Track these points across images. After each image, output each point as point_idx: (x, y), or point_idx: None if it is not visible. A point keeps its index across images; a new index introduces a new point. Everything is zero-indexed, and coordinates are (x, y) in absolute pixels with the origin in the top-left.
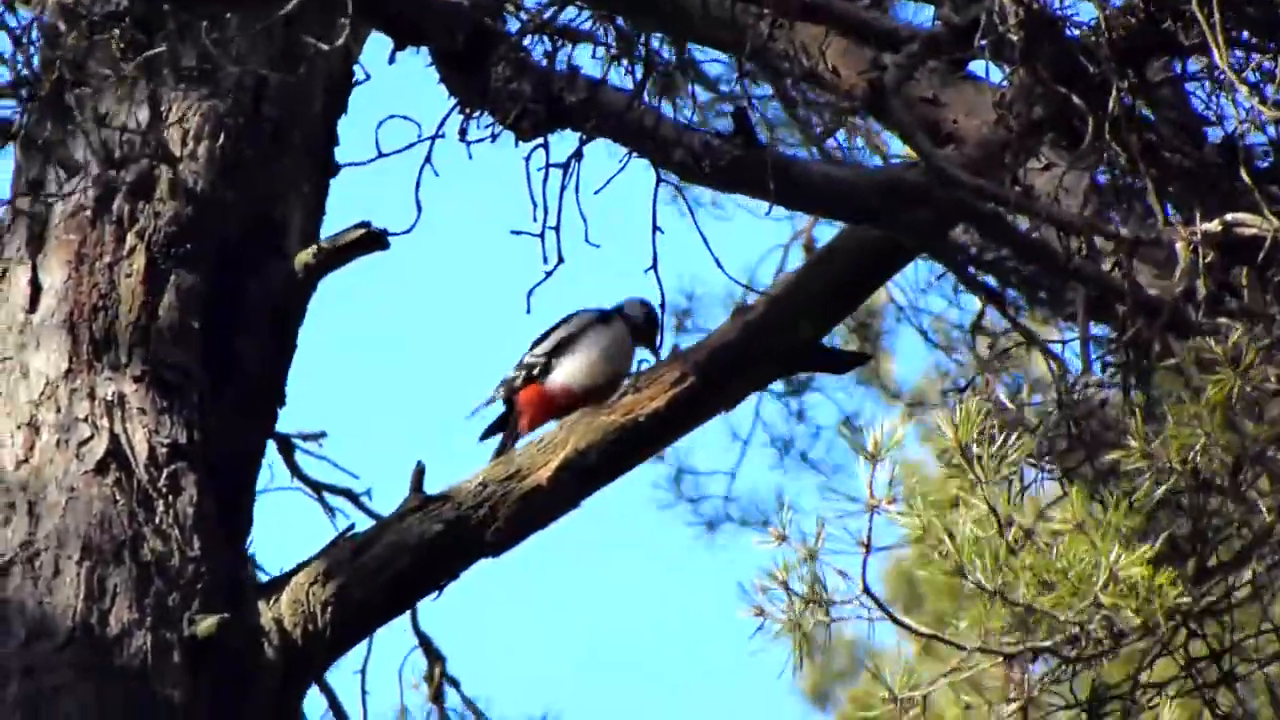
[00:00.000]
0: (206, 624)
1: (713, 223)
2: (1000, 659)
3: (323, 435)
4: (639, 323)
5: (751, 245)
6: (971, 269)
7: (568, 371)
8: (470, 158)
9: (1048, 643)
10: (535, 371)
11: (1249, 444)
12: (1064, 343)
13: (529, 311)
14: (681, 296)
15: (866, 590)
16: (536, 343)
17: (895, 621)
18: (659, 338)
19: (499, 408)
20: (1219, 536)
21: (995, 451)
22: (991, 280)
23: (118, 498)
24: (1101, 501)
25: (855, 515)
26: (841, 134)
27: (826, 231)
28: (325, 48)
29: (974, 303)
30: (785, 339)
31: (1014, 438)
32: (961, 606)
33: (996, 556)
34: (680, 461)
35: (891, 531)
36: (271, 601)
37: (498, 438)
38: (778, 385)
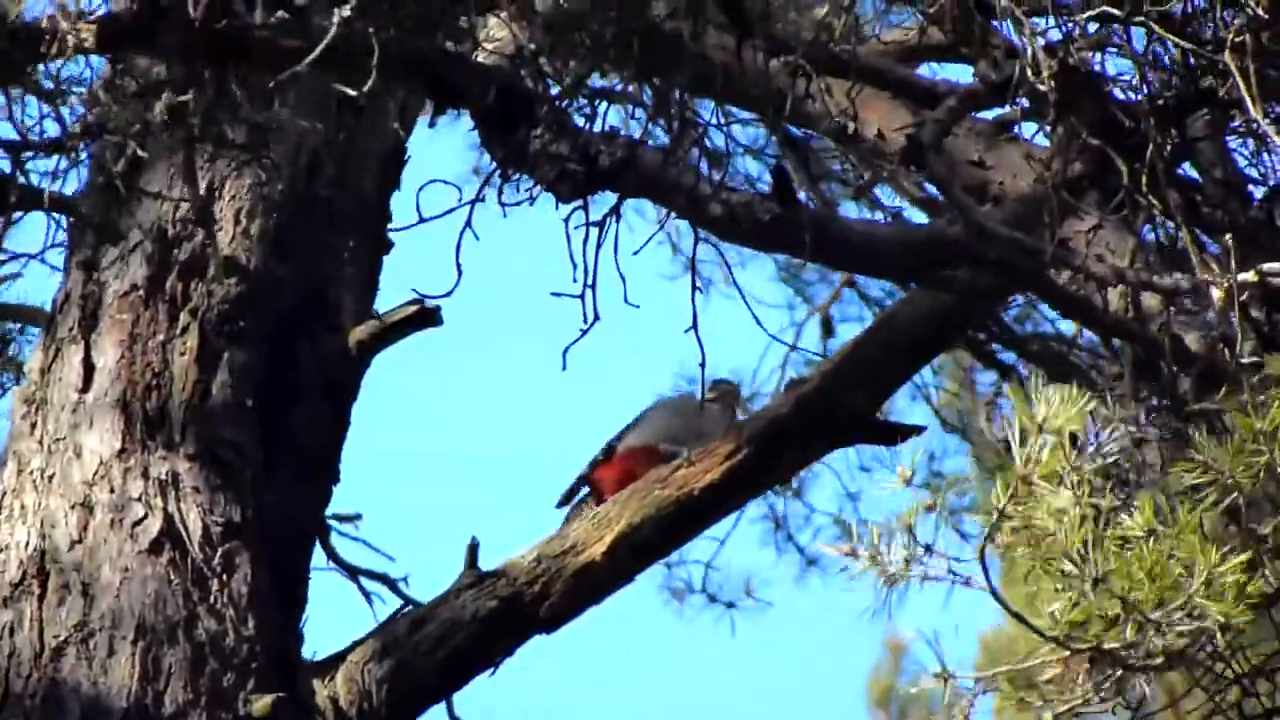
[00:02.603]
0: (262, 703)
1: (725, 302)
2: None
3: (358, 517)
4: (711, 397)
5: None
6: (995, 346)
7: (634, 437)
8: (506, 216)
9: (1113, 644)
10: (615, 443)
11: None
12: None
13: (564, 368)
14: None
15: (983, 558)
16: None
17: (995, 596)
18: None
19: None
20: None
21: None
22: (1012, 357)
23: (172, 577)
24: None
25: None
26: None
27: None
28: (353, 93)
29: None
30: (838, 411)
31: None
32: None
33: (1088, 543)
34: None
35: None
36: (327, 680)
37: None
38: None
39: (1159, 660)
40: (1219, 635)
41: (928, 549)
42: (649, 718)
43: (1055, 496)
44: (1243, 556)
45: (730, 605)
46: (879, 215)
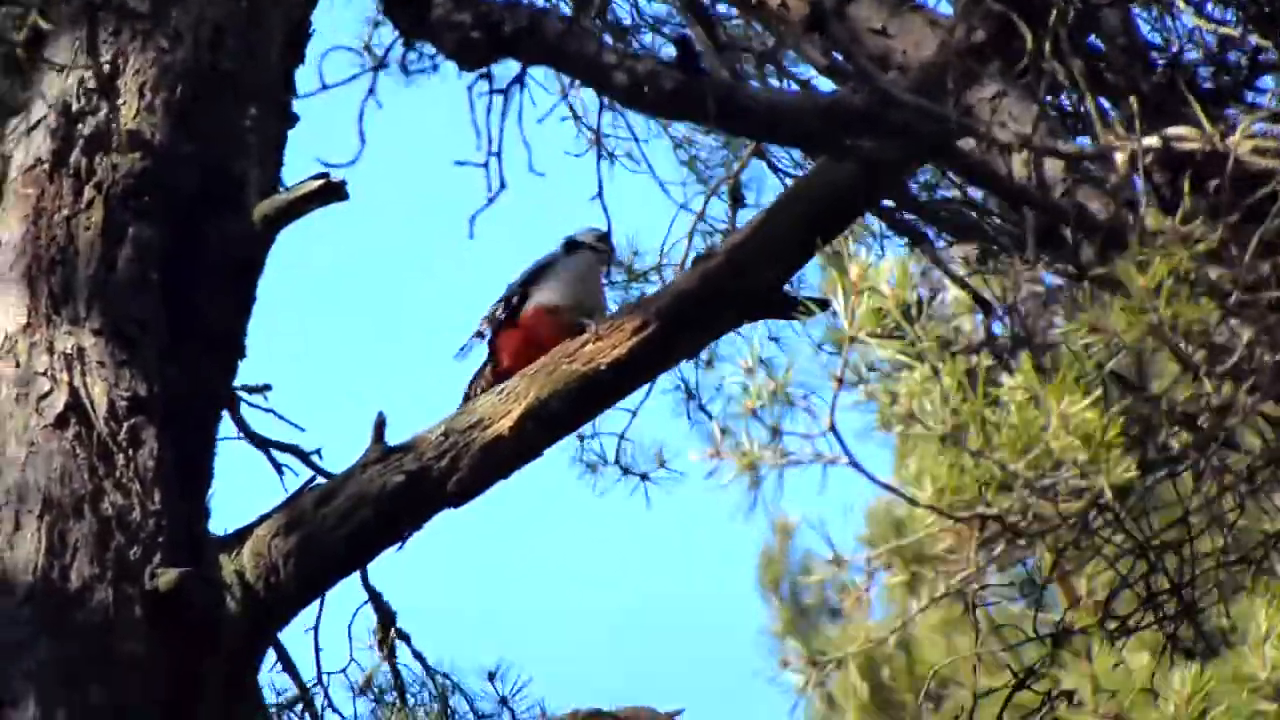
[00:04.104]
0: (168, 577)
1: (631, 178)
2: (951, 522)
3: (267, 388)
4: (595, 245)
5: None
6: (902, 213)
7: (542, 295)
8: (408, 84)
9: (994, 510)
10: (515, 300)
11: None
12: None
13: (471, 236)
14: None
15: (833, 428)
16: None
17: (855, 465)
18: (612, 255)
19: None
20: (1162, 428)
21: (932, 310)
22: (920, 224)
23: (78, 452)
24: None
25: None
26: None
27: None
28: None
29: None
30: (746, 285)
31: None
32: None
33: (946, 399)
34: None
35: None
36: (233, 554)
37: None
38: None
39: (1052, 525)
40: (1108, 493)
41: (775, 432)
42: (546, 591)
43: (886, 348)
44: (1095, 394)
45: (644, 477)
46: (789, 84)
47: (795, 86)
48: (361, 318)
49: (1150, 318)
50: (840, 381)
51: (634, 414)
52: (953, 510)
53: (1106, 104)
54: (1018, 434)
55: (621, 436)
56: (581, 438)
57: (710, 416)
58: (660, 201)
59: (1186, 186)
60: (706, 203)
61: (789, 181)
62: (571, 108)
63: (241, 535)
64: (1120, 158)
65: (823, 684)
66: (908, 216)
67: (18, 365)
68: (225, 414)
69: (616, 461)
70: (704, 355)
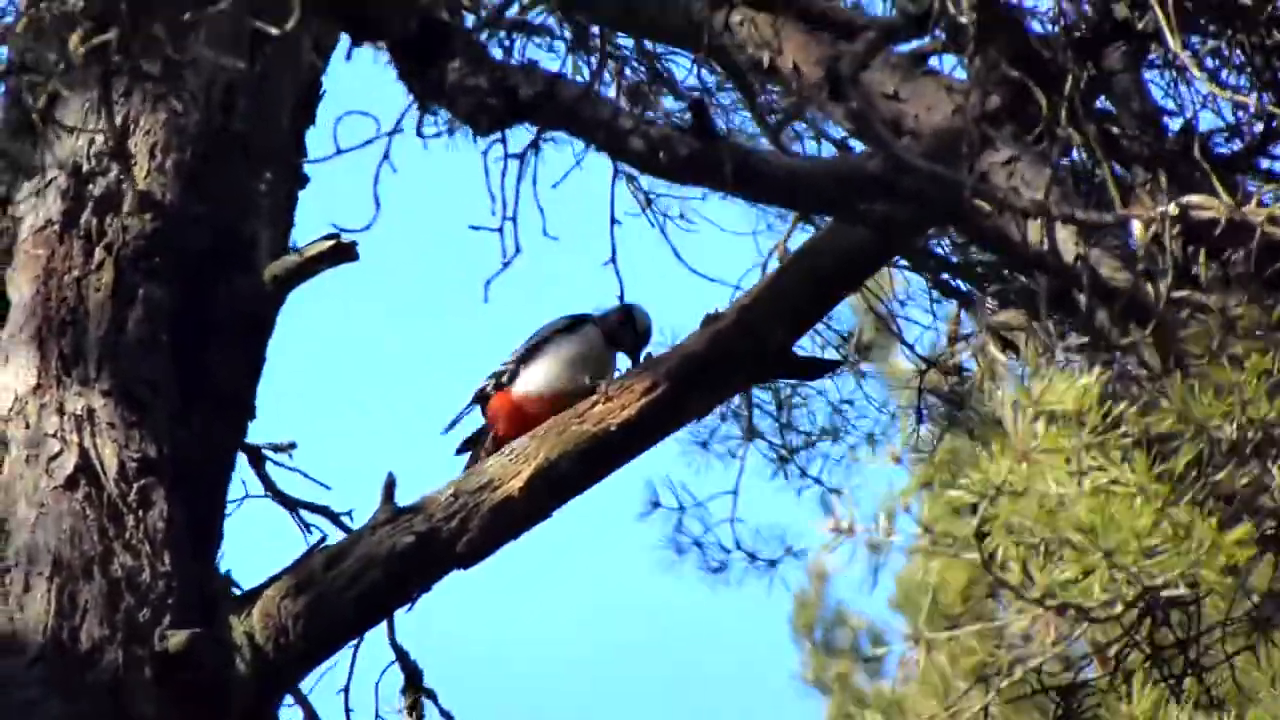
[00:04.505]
0: (177, 639)
1: (681, 235)
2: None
3: (293, 446)
4: (614, 327)
5: (721, 262)
6: (944, 274)
7: (531, 378)
8: (426, 148)
9: (1079, 600)
10: (504, 379)
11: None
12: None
13: (486, 300)
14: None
15: (979, 534)
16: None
17: (988, 569)
18: (642, 343)
19: (476, 419)
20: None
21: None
22: (965, 285)
23: (88, 513)
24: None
25: None
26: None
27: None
28: (274, 31)
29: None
30: (756, 346)
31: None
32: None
33: (1104, 513)
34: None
35: None
36: (243, 615)
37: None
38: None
39: (1119, 610)
40: (1184, 589)
41: (927, 530)
42: (575, 635)
43: (1055, 471)
44: (1242, 530)
45: (772, 564)
46: (827, 147)
47: (833, 149)
48: (379, 377)
49: (1250, 412)
50: (998, 490)
51: (734, 493)
52: (1047, 600)
53: (1120, 169)
54: (1129, 532)
55: (732, 521)
56: (700, 544)
57: (816, 480)
58: (713, 263)
59: (1203, 256)
60: (764, 270)
61: None
62: (618, 168)
63: (252, 596)
64: (1138, 227)
65: None
66: (948, 277)
67: (28, 426)
68: (252, 472)
69: (738, 547)
70: (782, 416)
